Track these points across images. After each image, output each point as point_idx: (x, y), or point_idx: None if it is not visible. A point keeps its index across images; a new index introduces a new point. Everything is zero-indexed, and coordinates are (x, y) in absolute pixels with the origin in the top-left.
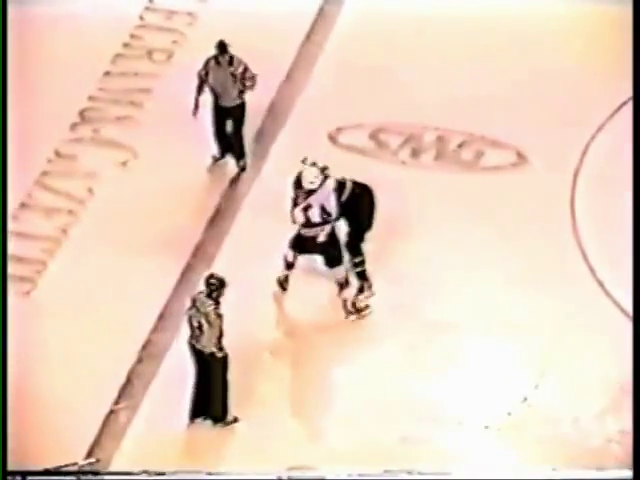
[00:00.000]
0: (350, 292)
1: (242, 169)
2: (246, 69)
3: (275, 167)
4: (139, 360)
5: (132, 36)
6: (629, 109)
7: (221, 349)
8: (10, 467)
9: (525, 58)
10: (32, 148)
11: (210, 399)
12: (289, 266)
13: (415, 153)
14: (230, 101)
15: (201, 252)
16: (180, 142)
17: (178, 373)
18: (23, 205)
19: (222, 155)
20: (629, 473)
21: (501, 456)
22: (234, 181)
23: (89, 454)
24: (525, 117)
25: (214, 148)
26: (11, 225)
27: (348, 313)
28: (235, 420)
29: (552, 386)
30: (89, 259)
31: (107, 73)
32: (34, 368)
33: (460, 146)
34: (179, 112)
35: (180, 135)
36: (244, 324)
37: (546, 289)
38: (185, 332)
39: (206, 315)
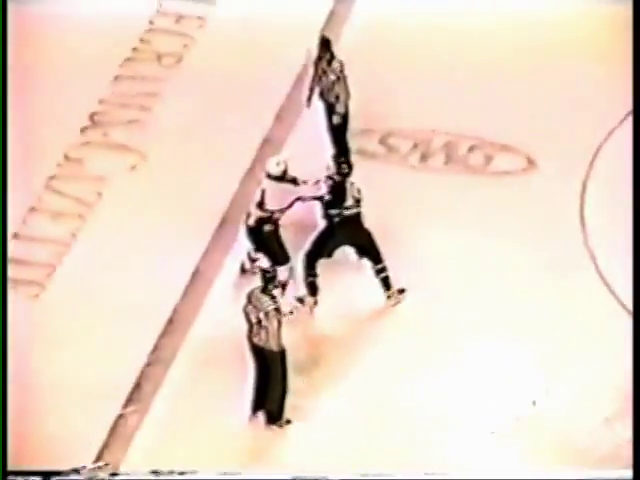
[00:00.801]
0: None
1: (347, 174)
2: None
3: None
4: (148, 364)
5: (142, 40)
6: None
7: (280, 344)
8: (10, 467)
9: (532, 62)
10: (42, 152)
11: (269, 396)
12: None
13: (425, 157)
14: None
15: (209, 257)
16: (189, 146)
17: (188, 377)
18: (32, 209)
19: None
20: (629, 473)
21: (509, 461)
22: (243, 183)
23: (98, 458)
24: (535, 122)
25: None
26: (20, 229)
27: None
28: (288, 422)
29: (562, 391)
30: (98, 263)
31: (117, 77)
32: (43, 371)
33: (470, 151)
34: (188, 116)
35: (189, 139)
36: None
37: (556, 293)
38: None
39: (265, 311)
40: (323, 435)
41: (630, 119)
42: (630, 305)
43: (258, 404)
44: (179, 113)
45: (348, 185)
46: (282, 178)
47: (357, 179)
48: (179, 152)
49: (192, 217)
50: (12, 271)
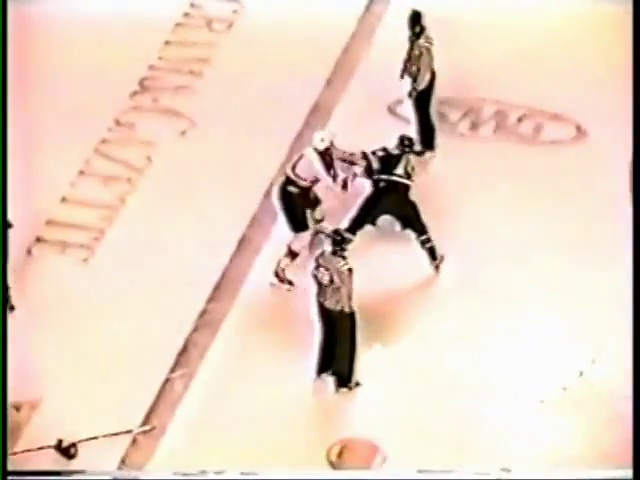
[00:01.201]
0: (285, 261)
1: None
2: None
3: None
4: (195, 329)
5: (192, 5)
6: None
7: (351, 305)
8: (10, 467)
9: (576, 34)
10: (92, 117)
11: (337, 358)
12: None
13: (474, 126)
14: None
15: (257, 223)
16: (238, 112)
17: (235, 341)
18: (82, 172)
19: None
20: (629, 473)
21: (555, 431)
22: (292, 150)
23: (145, 422)
24: (585, 91)
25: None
26: (69, 192)
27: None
28: (357, 384)
29: (609, 361)
30: (147, 228)
31: (167, 42)
32: (92, 338)
33: (520, 120)
34: (238, 82)
35: (238, 105)
36: None
37: (605, 264)
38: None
39: (338, 272)
40: (374, 402)
41: None
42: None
43: (324, 367)
44: (228, 79)
45: (404, 158)
46: (325, 153)
47: None
48: (228, 118)
49: (241, 183)
50: (61, 234)
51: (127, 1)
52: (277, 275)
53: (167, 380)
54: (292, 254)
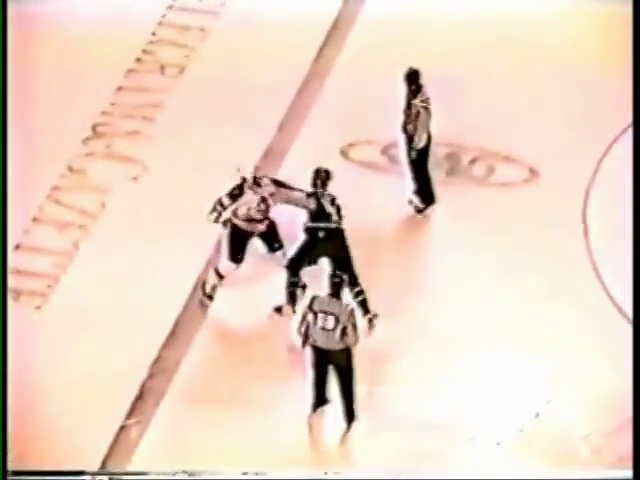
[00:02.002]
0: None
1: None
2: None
3: (285, 179)
4: (150, 376)
5: (145, 51)
6: None
7: (357, 339)
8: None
9: (532, 71)
10: (44, 163)
11: (342, 394)
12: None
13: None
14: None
15: (212, 267)
16: (191, 157)
17: (189, 388)
18: (35, 219)
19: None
20: (629, 473)
21: (512, 472)
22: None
23: (100, 468)
24: (537, 132)
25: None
26: (22, 239)
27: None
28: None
29: (564, 402)
30: (100, 274)
31: (119, 88)
32: (45, 382)
33: (472, 162)
34: (191, 127)
35: (191, 150)
36: None
37: (558, 304)
38: None
39: (345, 313)
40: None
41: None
42: (631, 314)
43: (319, 402)
44: (181, 124)
45: (328, 200)
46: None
47: (358, 188)
48: (181, 163)
49: (194, 229)
50: (14, 282)
51: (79, 48)
52: (205, 292)
53: (122, 427)
54: (219, 276)
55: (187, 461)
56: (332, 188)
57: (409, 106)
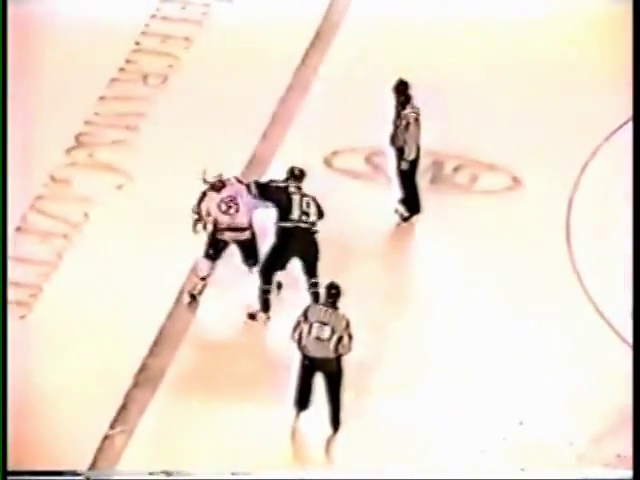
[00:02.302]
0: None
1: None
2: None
3: None
4: (135, 385)
5: (128, 61)
6: (625, 132)
7: (350, 347)
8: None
9: (517, 79)
10: (28, 172)
11: (330, 401)
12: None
13: None
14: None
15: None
16: (175, 165)
17: (174, 396)
18: (18, 229)
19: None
20: (629, 473)
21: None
22: None
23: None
24: (520, 141)
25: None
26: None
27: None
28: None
29: (548, 410)
30: (84, 283)
31: (102, 97)
32: (28, 392)
33: (455, 170)
34: (174, 135)
35: (175, 159)
36: None
37: (541, 312)
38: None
39: (340, 322)
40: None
41: (617, 136)
42: (615, 322)
43: (303, 406)
44: (165, 133)
45: (304, 199)
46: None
47: (340, 197)
48: (165, 172)
49: (178, 238)
50: None
51: (62, 58)
52: (191, 295)
53: (106, 437)
54: (202, 278)
55: (169, 462)
56: (316, 196)
57: (399, 117)
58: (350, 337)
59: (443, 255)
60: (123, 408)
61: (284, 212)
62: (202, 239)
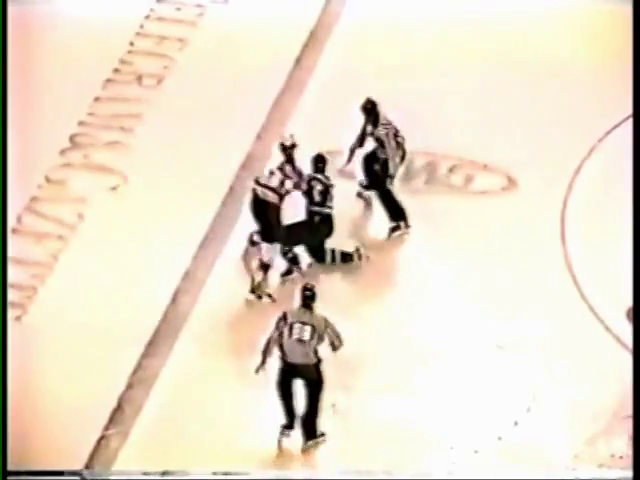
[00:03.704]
0: (259, 275)
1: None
2: (396, 134)
3: None
4: (129, 386)
5: (122, 62)
6: (620, 132)
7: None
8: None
9: (513, 78)
10: (22, 174)
11: (306, 412)
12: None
13: (406, 177)
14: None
15: (190, 279)
16: (170, 167)
17: (169, 399)
18: (13, 231)
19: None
20: (629, 473)
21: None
22: (225, 203)
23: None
24: (515, 141)
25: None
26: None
27: (252, 291)
28: (322, 434)
29: (543, 410)
30: (79, 284)
31: (97, 98)
32: (24, 394)
33: (450, 170)
34: (169, 136)
35: (170, 160)
36: None
37: (536, 313)
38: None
39: (318, 322)
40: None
41: (612, 136)
42: (610, 323)
43: (291, 423)
44: (160, 134)
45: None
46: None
47: (336, 199)
48: (160, 173)
49: (172, 240)
50: None
51: (55, 58)
52: (254, 291)
53: (102, 437)
54: (264, 267)
55: (165, 463)
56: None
57: (372, 136)
58: (334, 331)
59: (437, 255)
60: (118, 409)
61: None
62: (197, 239)
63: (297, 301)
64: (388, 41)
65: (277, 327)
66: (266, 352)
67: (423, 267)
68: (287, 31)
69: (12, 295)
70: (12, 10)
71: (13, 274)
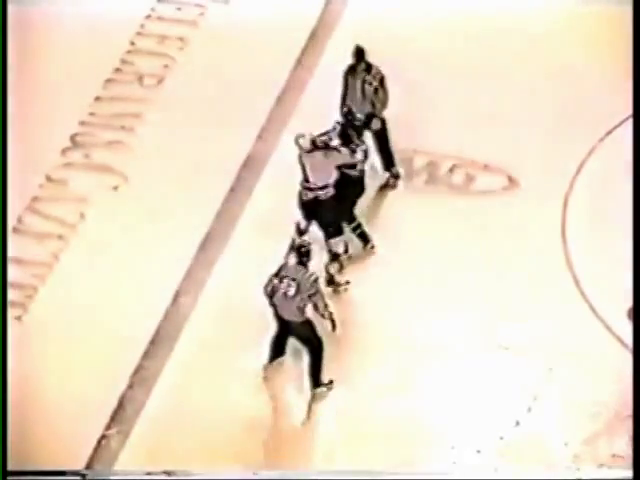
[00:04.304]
0: (334, 266)
1: (396, 177)
2: (382, 82)
3: (267, 187)
4: (130, 385)
5: (123, 61)
6: (621, 132)
7: (329, 312)
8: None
9: (514, 78)
10: (23, 173)
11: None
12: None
13: (406, 177)
14: (362, 111)
15: (191, 279)
16: (171, 166)
17: (170, 398)
18: (14, 230)
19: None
20: (629, 473)
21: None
22: (226, 202)
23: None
24: (516, 141)
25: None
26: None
27: (328, 284)
28: (331, 382)
29: (545, 410)
30: (80, 284)
31: (98, 98)
32: (24, 393)
33: (451, 170)
34: (170, 136)
35: (171, 159)
36: None
37: (537, 313)
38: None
39: (305, 282)
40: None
41: (613, 135)
42: (611, 323)
43: (276, 355)
44: (161, 133)
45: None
46: (315, 148)
47: None
48: (161, 173)
49: (174, 239)
50: None
51: (56, 58)
52: (331, 283)
53: (103, 437)
54: (334, 256)
55: (166, 463)
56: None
57: (363, 86)
58: (322, 296)
59: (438, 255)
60: (119, 409)
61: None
62: (198, 239)
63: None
64: (389, 40)
65: (270, 280)
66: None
67: (423, 266)
68: (288, 31)
69: (13, 295)
70: (13, 10)
71: (14, 273)
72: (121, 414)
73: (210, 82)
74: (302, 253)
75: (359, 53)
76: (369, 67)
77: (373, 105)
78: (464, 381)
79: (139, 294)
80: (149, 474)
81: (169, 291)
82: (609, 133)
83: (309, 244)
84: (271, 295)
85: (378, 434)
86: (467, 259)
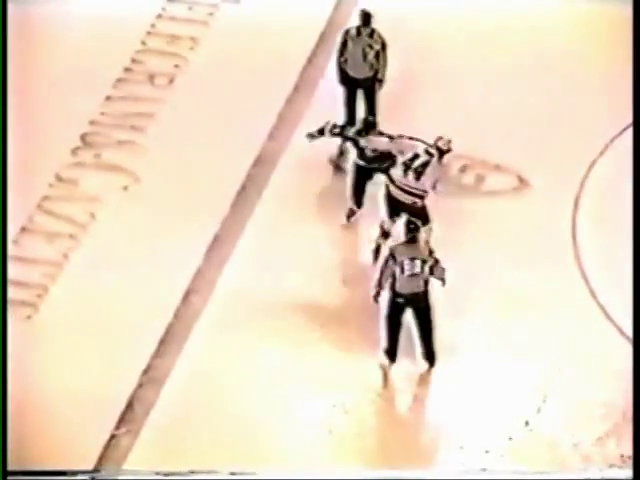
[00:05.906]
0: (381, 240)
1: (373, 125)
2: (384, 47)
3: (276, 190)
4: (140, 385)
5: (134, 60)
6: (631, 132)
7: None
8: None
9: (524, 78)
10: (33, 172)
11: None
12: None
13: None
14: (361, 73)
15: (201, 278)
16: (181, 166)
17: (180, 398)
18: (24, 229)
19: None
20: (629, 473)
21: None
22: (235, 204)
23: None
24: (527, 141)
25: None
26: (12, 249)
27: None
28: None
29: (554, 410)
30: (90, 284)
31: (109, 97)
32: (34, 393)
33: (461, 170)
34: (181, 136)
35: (182, 159)
36: None
37: (548, 313)
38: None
39: (421, 258)
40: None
41: (623, 135)
42: (622, 324)
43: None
44: (172, 133)
45: None
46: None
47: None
48: (171, 172)
49: (184, 239)
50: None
51: (67, 58)
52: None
53: (112, 437)
54: (385, 234)
55: (176, 463)
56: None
57: (369, 45)
58: (437, 260)
59: (449, 255)
60: (129, 408)
61: None
62: (208, 239)
63: None
64: (398, 40)
65: (387, 265)
66: (380, 286)
67: None
68: (299, 30)
69: (23, 294)
70: (24, 10)
71: (24, 273)
72: (131, 414)
73: (221, 82)
74: (411, 230)
75: (366, 17)
76: (372, 32)
77: (371, 68)
78: (473, 381)
79: (149, 293)
80: (158, 474)
81: (179, 290)
82: (620, 133)
83: (416, 220)
84: (393, 281)
85: (385, 433)
86: (477, 259)
